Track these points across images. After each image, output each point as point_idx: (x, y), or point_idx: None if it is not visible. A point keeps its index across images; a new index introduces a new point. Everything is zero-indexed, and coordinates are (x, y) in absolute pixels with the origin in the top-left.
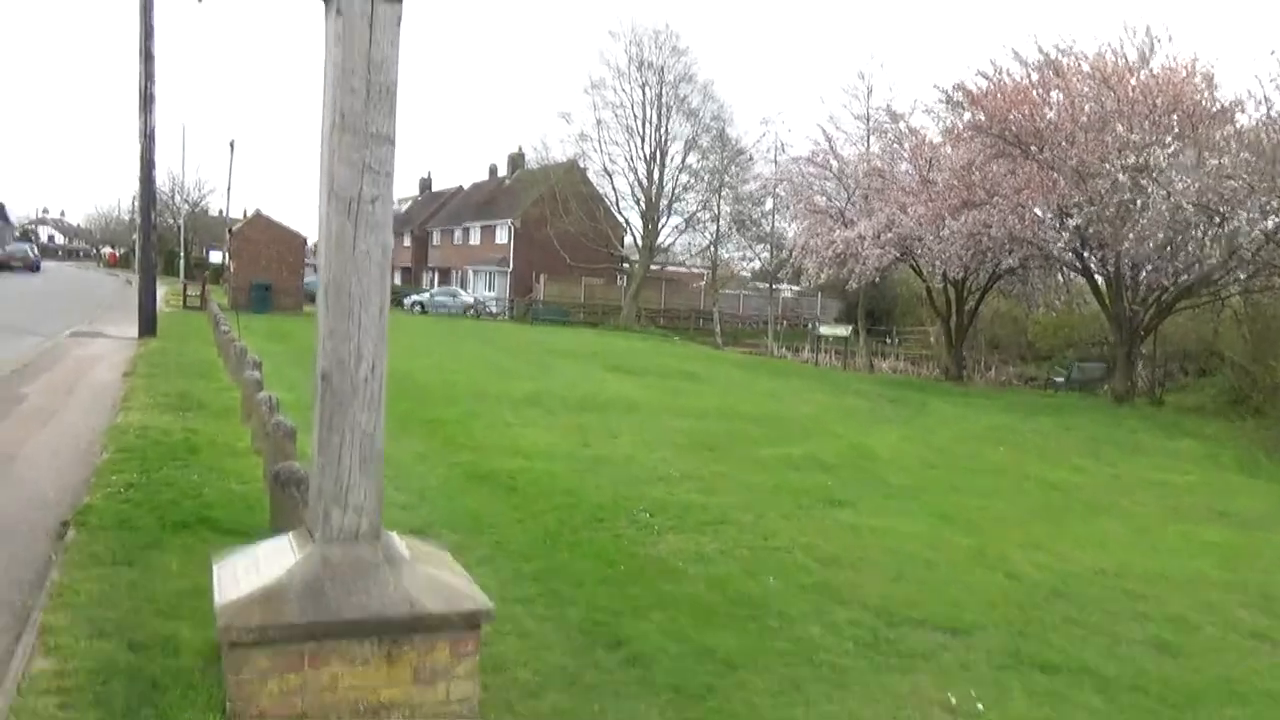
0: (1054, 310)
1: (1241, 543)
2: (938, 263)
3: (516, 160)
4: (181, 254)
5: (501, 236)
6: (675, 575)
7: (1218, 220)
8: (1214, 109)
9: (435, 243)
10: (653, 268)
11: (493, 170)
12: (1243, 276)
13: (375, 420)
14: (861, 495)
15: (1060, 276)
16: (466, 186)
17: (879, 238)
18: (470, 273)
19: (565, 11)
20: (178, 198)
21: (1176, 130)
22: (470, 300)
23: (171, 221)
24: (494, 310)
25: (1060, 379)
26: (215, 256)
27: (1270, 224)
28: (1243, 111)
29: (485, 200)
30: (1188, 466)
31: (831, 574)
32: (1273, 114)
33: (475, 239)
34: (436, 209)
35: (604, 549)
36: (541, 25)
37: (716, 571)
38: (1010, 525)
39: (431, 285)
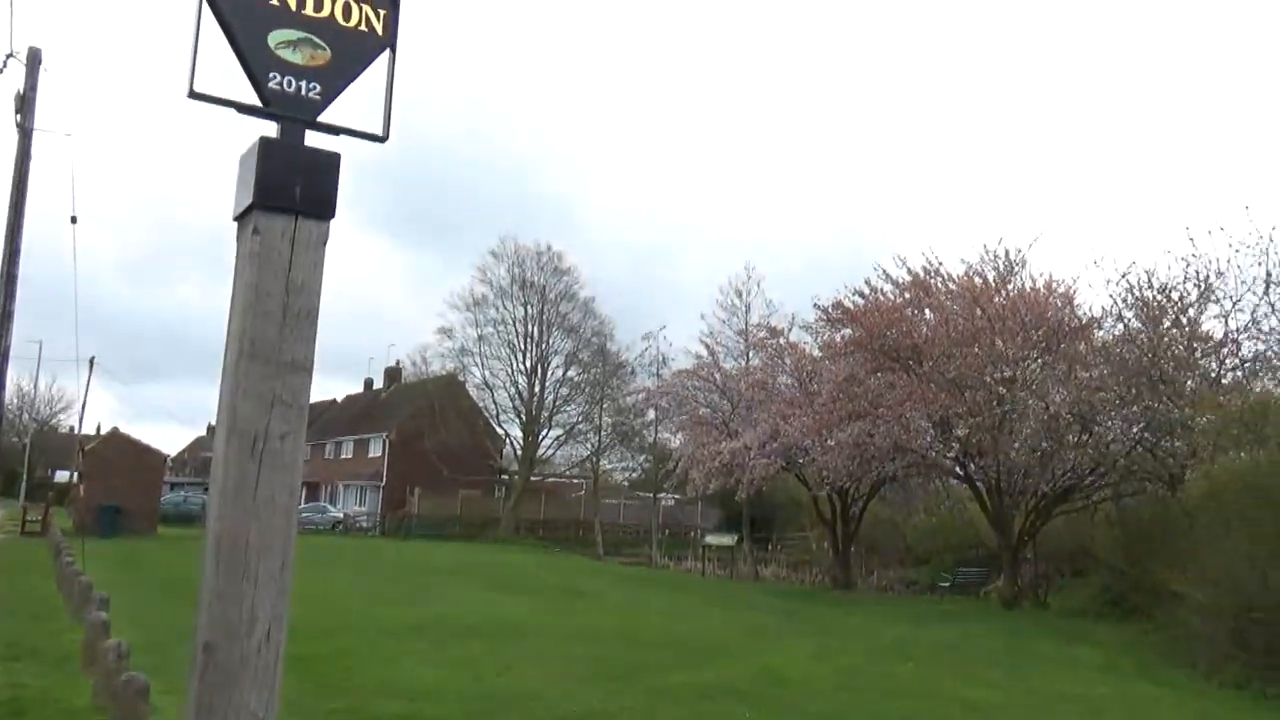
0: (934, 516)
1: None
2: (824, 472)
3: (393, 373)
4: (24, 474)
5: (375, 450)
6: None
7: (1091, 429)
8: (1075, 325)
9: (306, 458)
10: (532, 479)
11: (368, 384)
12: (1113, 481)
13: (269, 702)
14: None
15: (938, 483)
16: (340, 399)
17: (764, 448)
18: (341, 488)
19: (436, 229)
20: (25, 415)
21: (1044, 345)
22: (339, 515)
23: (16, 440)
24: (365, 525)
25: (945, 583)
26: (61, 475)
27: (1135, 431)
28: (1100, 328)
29: (360, 414)
30: (1095, 677)
31: None
32: (1130, 329)
33: (348, 453)
34: (308, 422)
35: None
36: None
37: None
38: None
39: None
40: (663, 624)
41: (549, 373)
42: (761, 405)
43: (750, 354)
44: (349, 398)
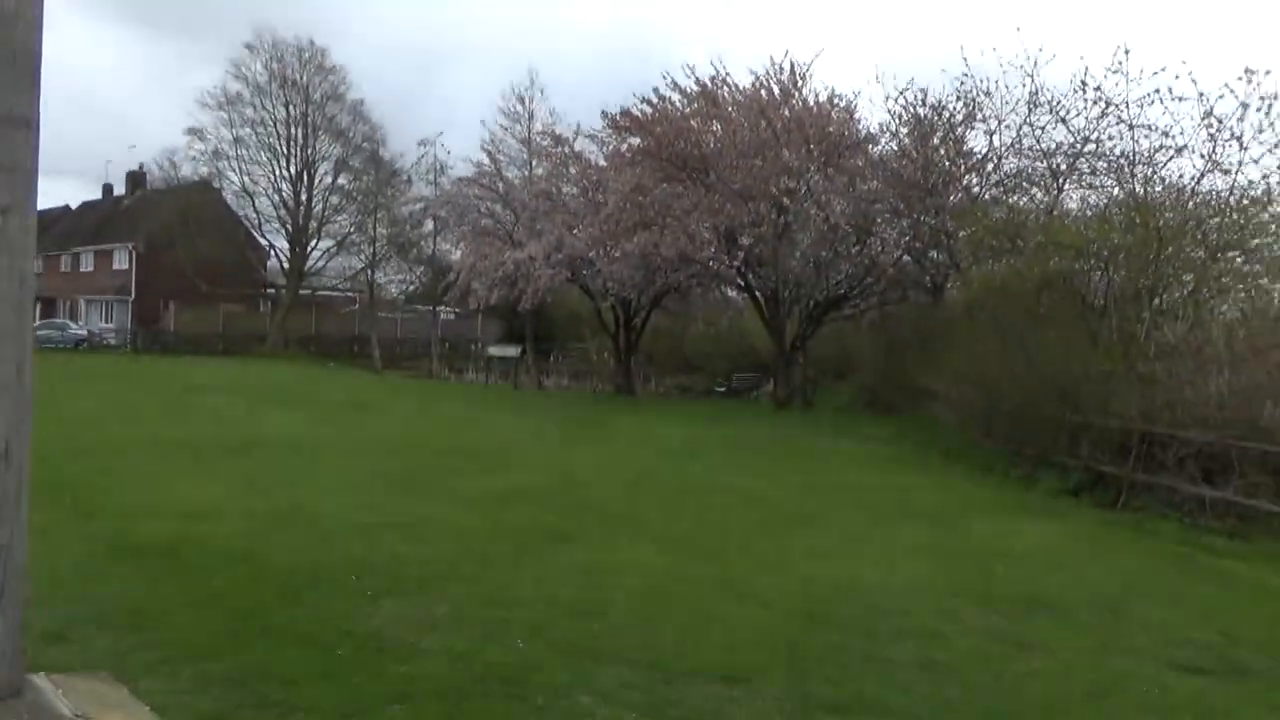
0: (712, 326)
1: (943, 543)
2: (610, 283)
3: (138, 178)
4: None
5: (121, 262)
6: (408, 654)
7: (866, 240)
8: (855, 139)
9: (38, 270)
10: (302, 292)
11: (108, 190)
12: (880, 289)
13: (13, 530)
14: (583, 528)
15: (719, 293)
16: (75, 206)
17: (549, 258)
18: (83, 303)
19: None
20: None
21: (824, 158)
22: (83, 333)
23: None
24: (113, 343)
25: (721, 388)
26: None
27: (904, 242)
28: (877, 143)
29: (100, 222)
30: (863, 467)
31: (583, 625)
32: (903, 145)
33: (88, 265)
34: (38, 232)
35: (311, 631)
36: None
37: (454, 642)
38: (740, 546)
39: (34, 318)
40: (451, 432)
41: (316, 180)
42: (546, 215)
43: (534, 163)
44: (86, 205)
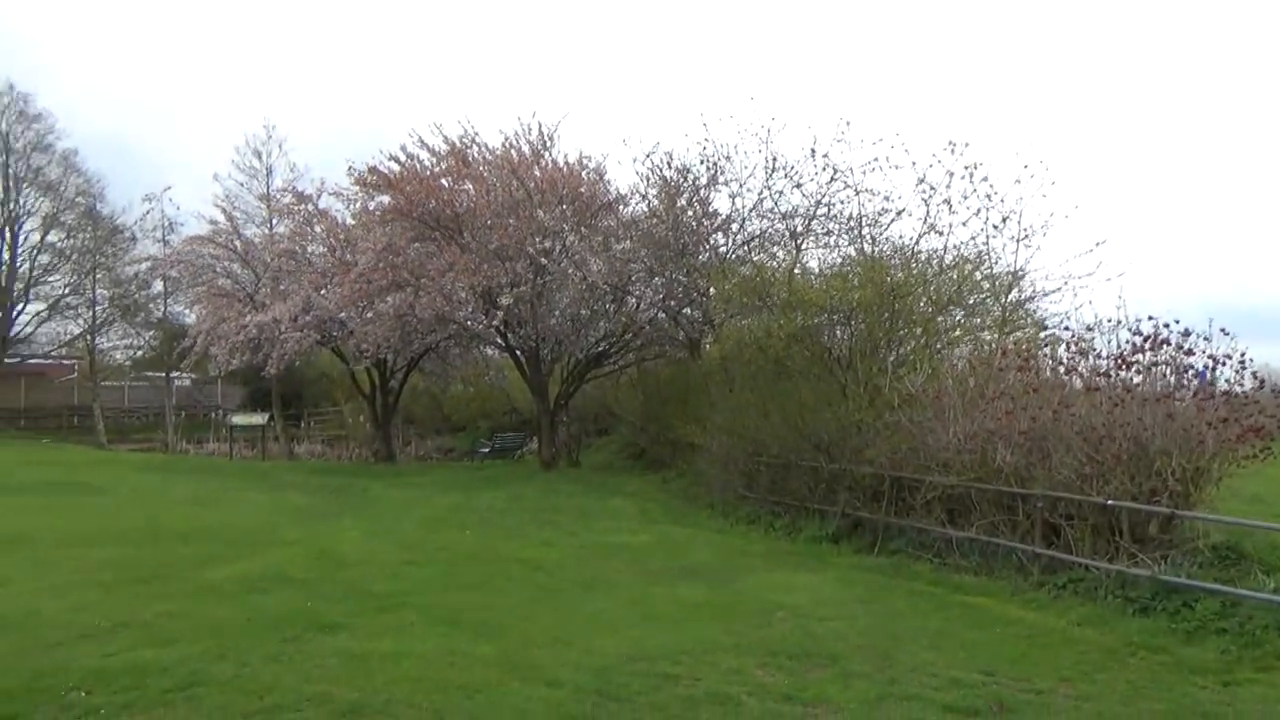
0: (472, 385)
1: (722, 599)
2: (364, 345)
3: None
4: None
5: None
6: None
7: (623, 298)
8: (606, 199)
9: None
10: (9, 361)
11: None
12: (639, 346)
13: None
14: (351, 613)
15: (479, 353)
16: None
17: (296, 320)
18: None
19: None
20: None
21: (578, 218)
22: None
23: None
24: None
25: (485, 449)
26: None
27: (659, 300)
28: (626, 204)
29: None
30: (635, 525)
31: None
32: (653, 205)
33: None
34: None
35: None
36: None
37: None
38: (520, 620)
39: None
40: (193, 512)
41: (22, 237)
42: (292, 276)
43: (275, 220)
44: None
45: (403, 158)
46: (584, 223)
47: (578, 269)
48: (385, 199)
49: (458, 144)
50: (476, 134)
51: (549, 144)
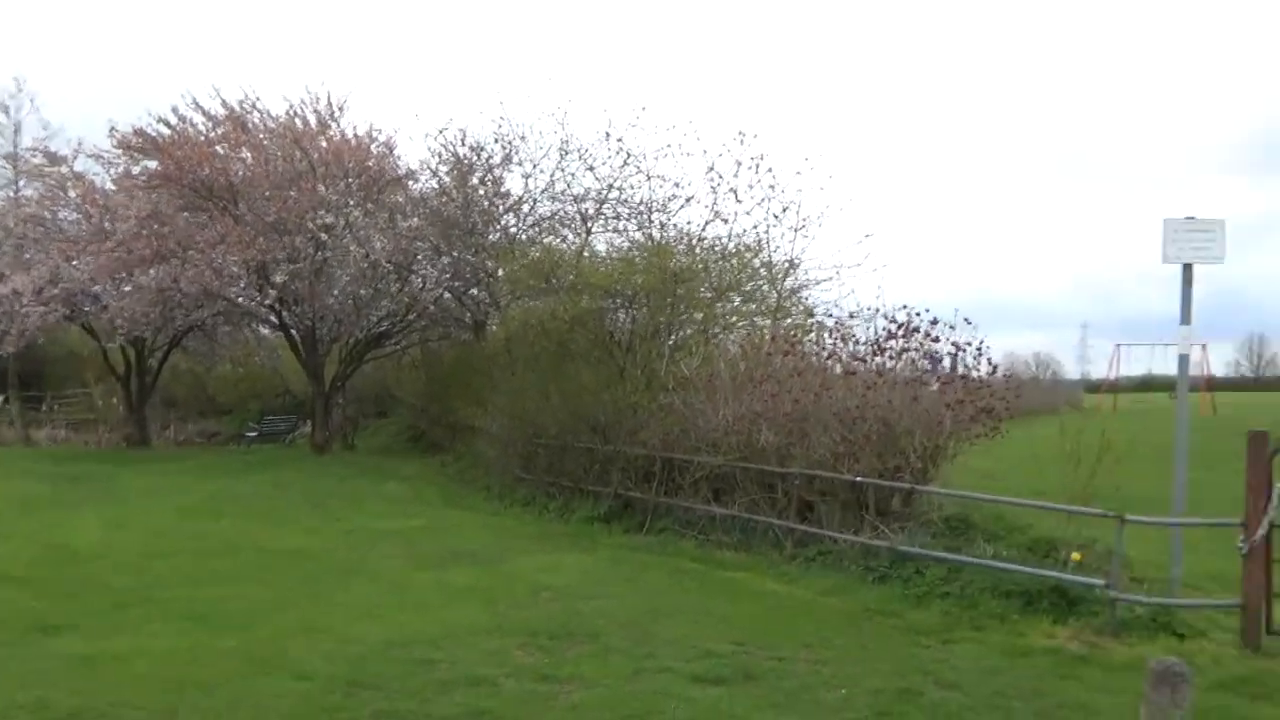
0: (241, 366)
1: (489, 582)
2: (120, 321)
3: None
4: None
5: None
6: None
7: (408, 277)
8: (395, 175)
9: None
10: None
11: None
12: (422, 327)
13: None
14: (81, 612)
15: (249, 331)
16: None
17: (41, 293)
18: None
19: None
20: None
21: (364, 193)
22: None
23: None
24: None
25: (252, 433)
26: None
27: (445, 280)
28: (415, 180)
29: None
30: (407, 509)
31: None
32: (444, 183)
33: None
34: None
35: None
36: None
37: None
38: (274, 610)
39: None
40: None
41: None
42: (38, 244)
43: (21, 183)
44: None
45: (174, 121)
46: (370, 198)
47: (360, 246)
48: (152, 164)
49: (236, 109)
50: (258, 100)
51: (337, 114)
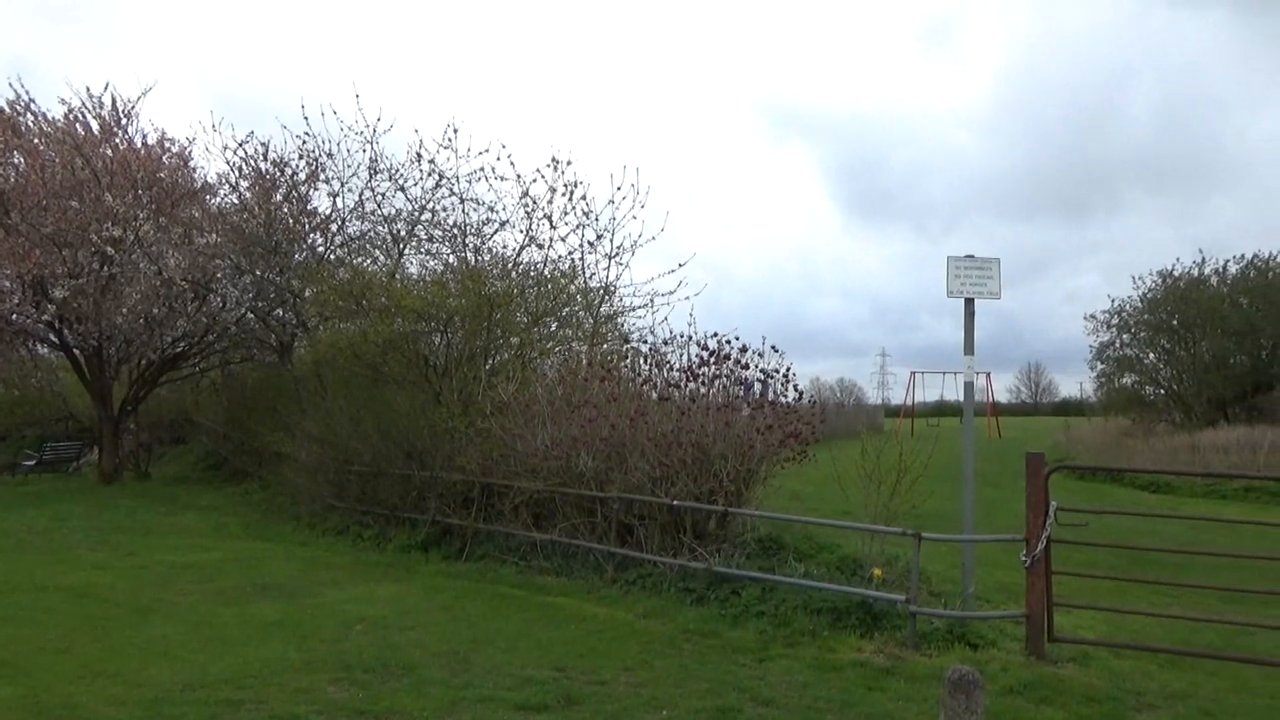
0: (16, 388)
1: (298, 616)
2: None
3: None
4: None
5: None
6: None
7: (205, 296)
8: (190, 188)
9: None
10: None
11: None
12: (223, 348)
13: None
14: None
15: (24, 351)
16: None
17: None
18: None
19: None
20: None
21: (155, 206)
22: None
23: None
24: None
25: (30, 462)
26: None
27: (248, 299)
28: (214, 195)
29: None
30: (206, 541)
31: None
32: (245, 199)
33: None
34: None
35: None
36: None
37: None
38: (57, 655)
39: None
40: None
41: None
42: None
43: None
44: None
45: None
46: (163, 212)
47: (153, 262)
48: None
49: (7, 110)
50: (32, 101)
51: (124, 121)
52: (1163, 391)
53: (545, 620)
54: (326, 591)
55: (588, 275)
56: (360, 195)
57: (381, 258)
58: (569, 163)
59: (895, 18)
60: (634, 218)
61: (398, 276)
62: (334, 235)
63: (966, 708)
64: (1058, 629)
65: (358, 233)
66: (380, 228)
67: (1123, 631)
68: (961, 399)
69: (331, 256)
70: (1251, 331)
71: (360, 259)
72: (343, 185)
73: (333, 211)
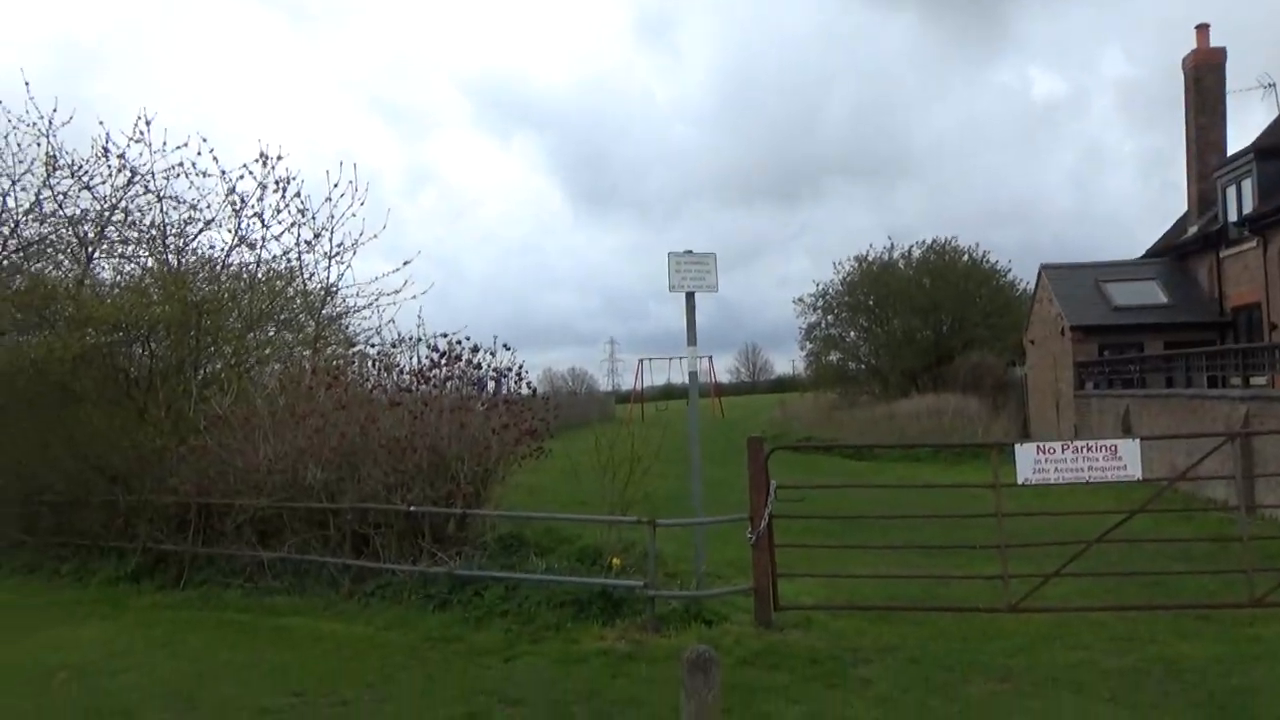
0: None
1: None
2: None
3: None
4: None
5: None
6: None
7: None
8: None
9: None
10: None
11: None
12: None
13: None
14: None
15: None
16: None
17: None
18: None
19: None
20: None
21: None
22: None
23: None
24: None
25: None
26: None
27: None
28: None
29: None
30: None
31: None
32: None
33: None
34: None
35: None
36: None
37: None
38: None
39: None
40: None
41: None
42: None
43: None
44: None
45: None
46: None
47: None
48: None
49: None
50: None
51: None
52: (863, 366)
53: (278, 644)
54: (19, 639)
55: (306, 276)
56: (37, 194)
57: (66, 263)
58: (279, 157)
59: (610, 9)
60: (354, 215)
61: (87, 283)
62: (6, 240)
63: (704, 684)
64: (782, 598)
65: (36, 236)
66: (64, 230)
67: (839, 594)
68: (687, 382)
69: (5, 263)
70: (934, 308)
71: (41, 265)
72: (14, 184)
73: (4, 213)
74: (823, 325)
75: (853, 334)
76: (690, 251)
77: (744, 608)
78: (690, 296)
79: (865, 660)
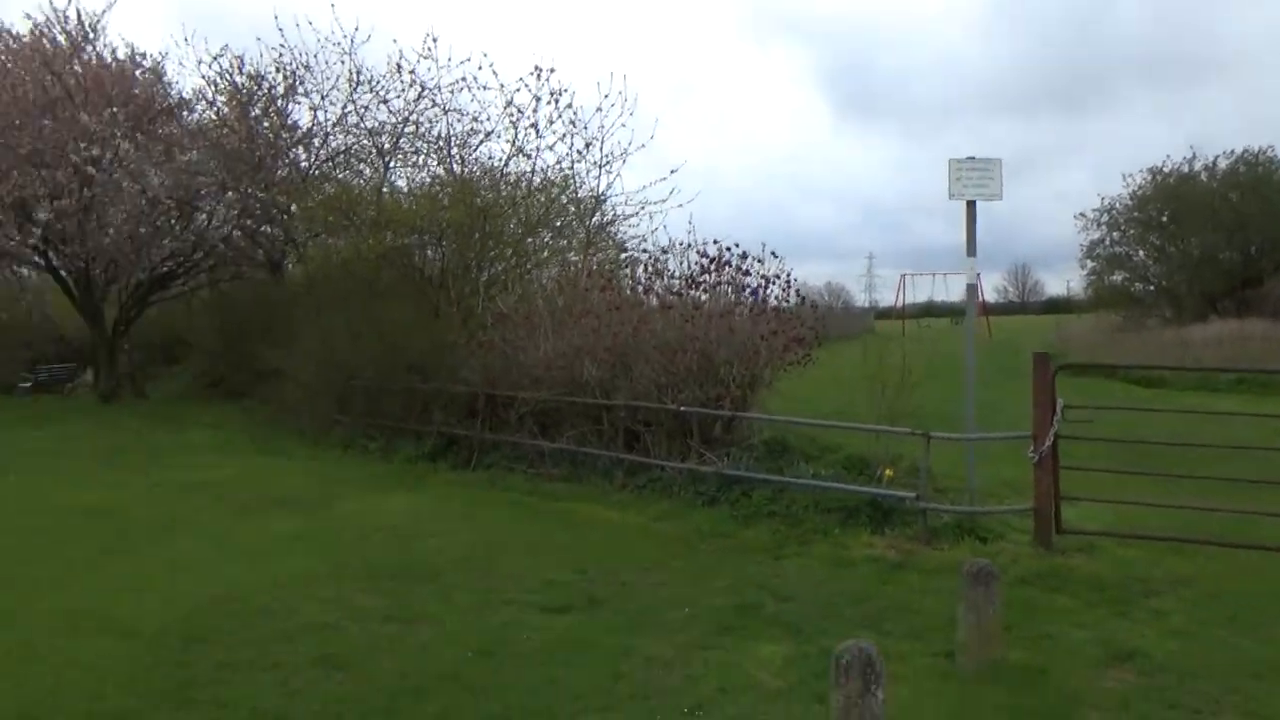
0: (4, 312)
1: (317, 528)
2: None
3: None
4: None
5: None
6: None
7: (191, 214)
8: (166, 104)
9: None
10: None
11: None
12: (211, 266)
13: None
14: None
15: (10, 274)
16: None
17: None
18: None
19: None
20: None
21: (132, 123)
22: None
23: None
24: None
25: (27, 384)
26: None
27: (233, 216)
28: (190, 111)
29: None
30: (216, 459)
31: None
32: (222, 114)
33: None
34: None
35: None
36: None
37: None
38: (86, 571)
39: None
40: None
41: None
42: None
43: None
44: None
45: None
46: (140, 129)
47: (134, 181)
48: None
49: None
50: None
51: (92, 36)
52: (1152, 288)
53: (561, 525)
54: (341, 503)
55: (578, 184)
56: (342, 109)
57: (368, 171)
58: (553, 70)
59: None
60: (623, 125)
61: (385, 190)
62: (317, 150)
63: (985, 597)
64: (1065, 521)
65: (342, 147)
66: (365, 141)
67: (1126, 523)
68: (950, 299)
69: (316, 171)
70: (1241, 227)
71: (346, 173)
72: (323, 99)
73: (314, 125)
74: (1107, 243)
75: (1141, 253)
76: (973, 157)
77: (1019, 528)
78: (971, 205)
79: (1156, 592)
